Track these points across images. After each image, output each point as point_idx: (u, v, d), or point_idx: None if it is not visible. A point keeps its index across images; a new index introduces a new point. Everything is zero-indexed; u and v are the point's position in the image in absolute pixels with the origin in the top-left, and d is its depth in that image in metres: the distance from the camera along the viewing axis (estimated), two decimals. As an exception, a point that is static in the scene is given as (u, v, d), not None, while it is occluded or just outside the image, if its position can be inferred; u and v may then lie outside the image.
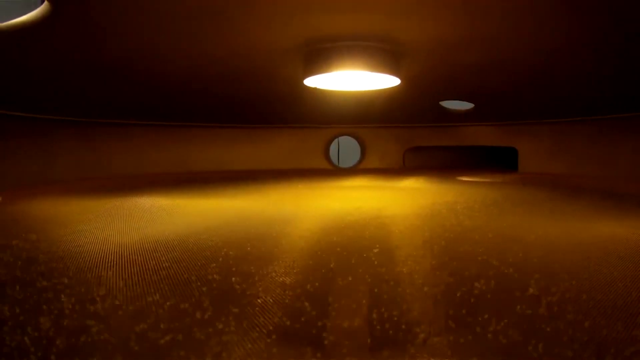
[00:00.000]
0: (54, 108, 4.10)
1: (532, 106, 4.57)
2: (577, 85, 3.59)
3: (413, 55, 2.85)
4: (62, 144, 4.46)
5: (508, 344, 1.07)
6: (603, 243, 1.97)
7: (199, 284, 1.47)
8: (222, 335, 1.11)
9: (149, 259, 1.74)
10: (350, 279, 1.52)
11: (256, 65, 3.16)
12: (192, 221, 2.51)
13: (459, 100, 4.79)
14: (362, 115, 5.33)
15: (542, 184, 4.42)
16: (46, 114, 4.18)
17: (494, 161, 6.39)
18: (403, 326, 1.16)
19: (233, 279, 1.51)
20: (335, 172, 5.95)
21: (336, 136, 6.26)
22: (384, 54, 2.74)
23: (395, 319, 1.20)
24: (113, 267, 1.65)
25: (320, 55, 2.74)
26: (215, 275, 1.54)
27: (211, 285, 1.45)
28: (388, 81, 3.09)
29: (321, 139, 6.14)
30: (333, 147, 6.55)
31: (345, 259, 1.76)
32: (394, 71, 2.85)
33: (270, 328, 1.16)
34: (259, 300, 1.33)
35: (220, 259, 1.73)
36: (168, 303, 1.31)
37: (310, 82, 3.08)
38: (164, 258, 1.75)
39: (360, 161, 6.30)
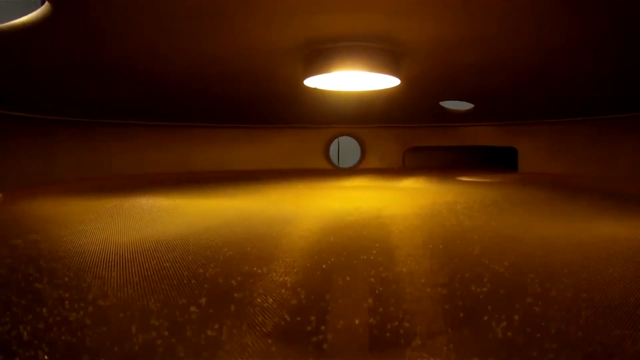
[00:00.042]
0: (54, 108, 4.10)
1: (532, 106, 4.57)
2: (577, 85, 3.60)
3: (413, 55, 2.85)
4: (62, 144, 4.47)
5: (508, 344, 1.07)
6: (603, 243, 1.97)
7: (199, 284, 1.47)
8: (222, 335, 1.11)
9: (149, 259, 1.74)
10: (350, 279, 1.52)
11: (256, 66, 3.16)
12: (192, 221, 2.51)
13: (459, 100, 4.79)
14: (362, 115, 5.34)
15: (542, 184, 4.42)
16: (46, 114, 4.18)
17: (493, 161, 6.39)
18: (403, 326, 1.16)
19: (233, 278, 1.51)
20: (335, 172, 5.96)
21: (336, 136, 6.26)
22: (384, 55, 2.74)
23: (395, 319, 1.20)
24: (113, 267, 1.66)
25: (320, 55, 2.74)
26: (215, 275, 1.54)
27: (211, 285, 1.45)
28: (388, 81, 3.10)
29: (321, 139, 6.14)
30: (333, 147, 6.55)
31: (345, 259, 1.76)
32: (394, 71, 2.85)
33: (270, 328, 1.16)
34: (258, 300, 1.33)
35: (221, 259, 1.73)
36: (168, 303, 1.31)
37: (310, 82, 3.08)
38: (164, 258, 1.76)
39: (360, 161, 6.30)
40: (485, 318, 1.19)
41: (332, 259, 1.74)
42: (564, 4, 2.02)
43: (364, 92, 3.66)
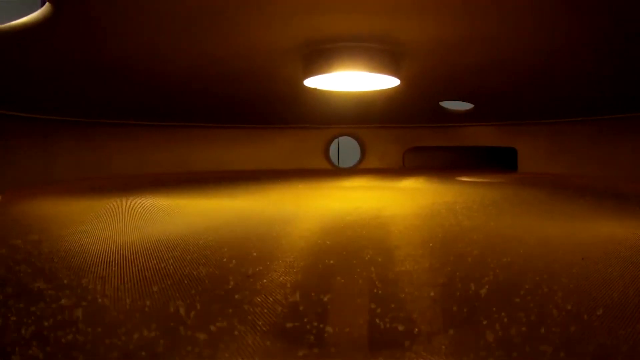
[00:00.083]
0: (54, 108, 4.11)
1: (532, 106, 4.57)
2: (577, 85, 3.60)
3: (413, 55, 2.85)
4: (62, 144, 4.47)
5: (507, 344, 1.07)
6: (603, 243, 1.97)
7: (199, 283, 1.47)
8: (222, 335, 1.12)
9: (149, 259, 1.74)
10: (349, 278, 1.52)
11: (256, 66, 3.16)
12: (192, 221, 2.51)
13: (459, 100, 4.79)
14: (362, 115, 5.34)
15: (541, 184, 4.42)
16: (46, 114, 4.19)
17: (493, 161, 6.39)
18: (402, 326, 1.16)
19: (233, 278, 1.51)
20: (335, 172, 5.96)
21: (336, 136, 6.26)
22: (384, 55, 2.74)
23: (394, 318, 1.21)
24: (113, 266, 1.66)
25: (320, 55, 2.75)
26: (215, 275, 1.55)
27: (211, 285, 1.46)
28: (388, 82, 3.10)
29: (321, 139, 6.14)
30: (333, 147, 6.56)
31: (345, 258, 1.76)
32: (393, 72, 2.85)
33: (270, 328, 1.16)
34: (258, 299, 1.33)
35: (221, 259, 1.73)
36: (168, 302, 1.31)
37: (310, 82, 3.09)
38: (164, 257, 1.76)
39: (360, 161, 6.30)
40: (484, 317, 1.19)
41: (332, 259, 1.74)
42: (564, 4, 2.02)
43: (364, 92, 3.66)
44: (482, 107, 4.76)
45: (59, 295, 1.36)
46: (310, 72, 2.85)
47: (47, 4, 2.05)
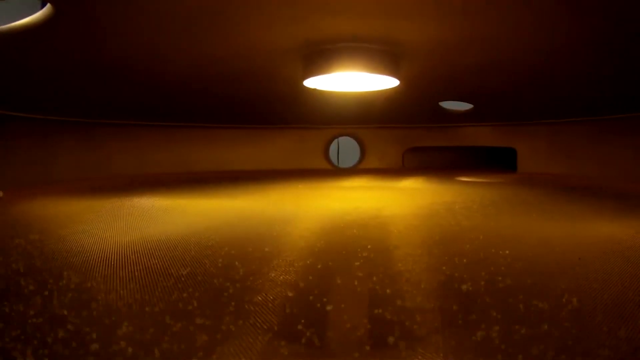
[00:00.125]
0: (54, 108, 4.11)
1: (531, 106, 4.58)
2: (577, 85, 3.60)
3: (412, 56, 2.86)
4: (62, 144, 4.47)
5: (504, 343, 1.07)
6: (602, 243, 1.97)
7: (199, 282, 1.47)
8: (222, 334, 1.12)
9: (150, 258, 1.75)
10: (349, 277, 1.53)
11: (256, 66, 3.16)
12: (192, 221, 2.51)
13: (459, 100, 4.80)
14: (362, 115, 5.34)
15: (540, 184, 4.42)
16: (47, 115, 4.19)
17: (493, 161, 6.40)
18: (401, 325, 1.17)
19: (233, 277, 1.51)
20: (335, 172, 5.96)
21: (336, 136, 6.27)
22: (383, 56, 2.75)
23: (392, 316, 1.21)
24: (114, 266, 1.66)
25: (320, 56, 2.75)
26: (215, 274, 1.55)
27: (211, 284, 1.46)
28: (388, 82, 3.10)
29: (321, 140, 6.15)
30: (333, 148, 6.57)
31: (345, 258, 1.76)
32: (393, 72, 2.86)
33: (270, 326, 1.16)
34: (259, 298, 1.33)
35: (221, 258, 1.74)
36: (168, 302, 1.32)
37: (310, 83, 3.09)
38: (165, 257, 1.76)
39: (359, 161, 6.31)
40: (482, 317, 1.20)
41: (332, 258, 1.74)
42: (564, 4, 2.03)
43: (363, 92, 3.66)
44: (481, 107, 4.76)
45: (58, 295, 1.37)
46: (310, 72, 2.85)
47: (48, 5, 2.06)
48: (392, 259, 1.75)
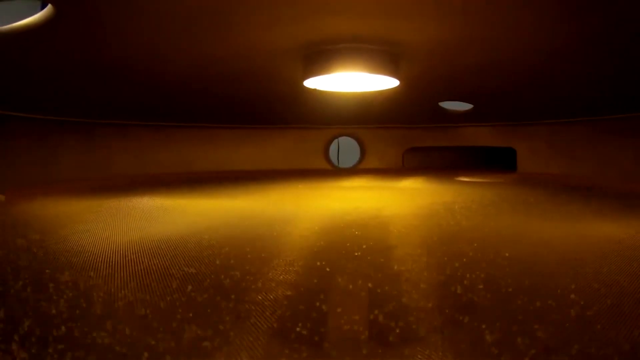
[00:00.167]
0: (54, 108, 4.11)
1: (531, 107, 4.58)
2: (577, 85, 3.60)
3: (412, 56, 2.86)
4: (62, 144, 4.47)
5: (504, 343, 1.07)
6: (602, 243, 1.97)
7: (199, 282, 1.48)
8: (222, 333, 1.12)
9: (150, 258, 1.75)
10: (348, 277, 1.53)
11: (256, 66, 3.16)
12: (193, 221, 2.51)
13: (459, 100, 4.80)
14: (362, 116, 5.34)
15: (540, 184, 4.42)
16: (47, 115, 4.19)
17: (492, 162, 6.40)
18: (399, 324, 1.17)
19: (234, 277, 1.51)
20: (335, 172, 5.96)
21: (336, 137, 6.27)
22: (383, 56, 2.75)
23: (392, 316, 1.21)
24: (114, 266, 1.66)
25: (320, 56, 2.75)
26: (215, 273, 1.55)
27: (212, 283, 1.46)
28: (387, 82, 3.10)
29: (321, 140, 6.15)
30: (333, 148, 6.56)
31: (344, 257, 1.76)
32: (393, 72, 2.86)
33: (270, 325, 1.16)
34: (259, 298, 1.34)
35: (221, 258, 1.74)
36: (168, 302, 1.32)
37: (310, 83, 3.09)
38: (165, 257, 1.76)
39: (359, 161, 6.31)
40: (482, 316, 1.20)
41: (331, 258, 1.74)
42: (564, 4, 2.03)
43: (363, 92, 3.66)
44: (481, 108, 4.76)
45: (59, 293, 1.37)
46: (311, 72, 2.85)
47: (48, 5, 2.06)
48: (392, 258, 1.75)
